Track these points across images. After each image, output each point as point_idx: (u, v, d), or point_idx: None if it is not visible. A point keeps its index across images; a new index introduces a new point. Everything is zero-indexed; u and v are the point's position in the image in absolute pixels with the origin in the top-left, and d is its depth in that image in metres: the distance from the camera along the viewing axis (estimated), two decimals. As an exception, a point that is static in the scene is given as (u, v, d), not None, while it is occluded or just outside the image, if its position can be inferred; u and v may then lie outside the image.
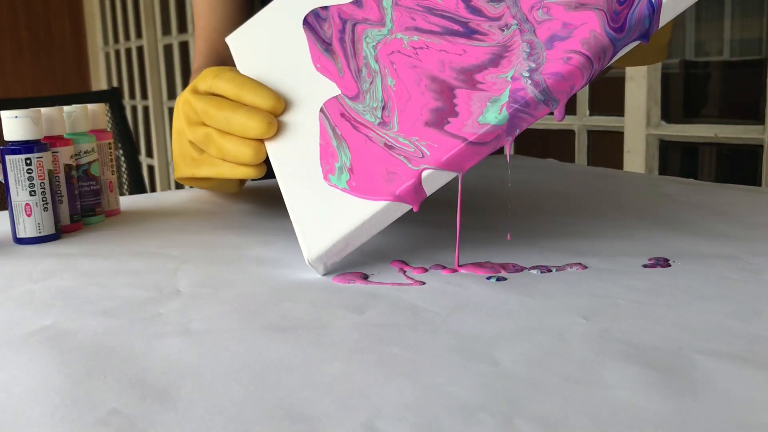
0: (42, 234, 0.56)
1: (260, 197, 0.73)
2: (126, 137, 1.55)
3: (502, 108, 0.43)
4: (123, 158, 1.55)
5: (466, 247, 0.50)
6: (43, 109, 0.58)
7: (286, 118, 0.51)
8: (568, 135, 1.59)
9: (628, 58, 0.55)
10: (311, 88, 0.52)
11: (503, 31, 0.46)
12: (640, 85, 1.38)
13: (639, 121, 1.39)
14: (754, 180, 1.27)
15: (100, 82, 3.89)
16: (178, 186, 3.25)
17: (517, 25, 0.45)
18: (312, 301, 0.40)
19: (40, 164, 0.55)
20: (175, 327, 0.37)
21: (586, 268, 0.45)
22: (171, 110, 3.21)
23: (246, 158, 0.52)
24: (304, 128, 0.50)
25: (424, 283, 0.43)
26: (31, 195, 0.55)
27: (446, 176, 0.44)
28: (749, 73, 1.27)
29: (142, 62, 3.31)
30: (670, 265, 0.45)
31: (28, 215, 0.55)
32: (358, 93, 0.49)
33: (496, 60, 0.45)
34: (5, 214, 0.67)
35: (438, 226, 0.57)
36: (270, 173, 0.94)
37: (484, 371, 0.30)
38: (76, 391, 0.30)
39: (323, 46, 0.53)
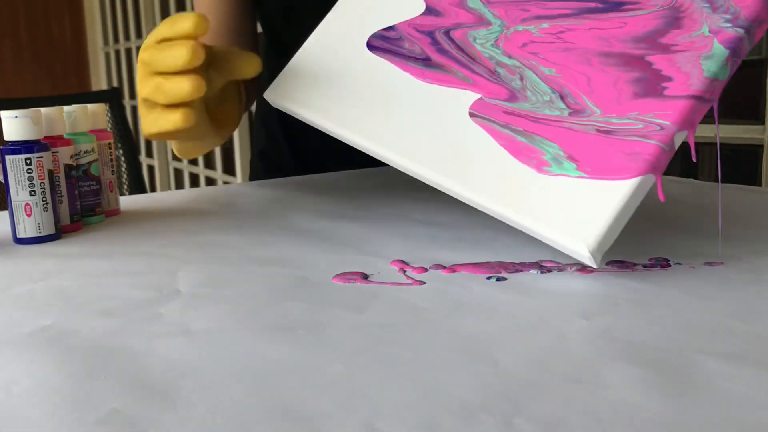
0: (42, 234, 0.56)
1: (260, 197, 0.73)
2: (126, 137, 1.55)
3: (727, 62, 0.43)
4: (123, 158, 1.55)
5: (466, 247, 0.50)
6: (43, 109, 0.58)
7: (420, 139, 0.48)
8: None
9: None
10: (416, 103, 0.49)
11: None
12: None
13: (639, 121, 1.39)
14: (754, 180, 1.27)
15: (100, 82, 3.89)
16: (178, 186, 3.25)
17: None
18: (312, 301, 0.40)
19: (40, 164, 0.55)
20: (175, 327, 0.37)
21: (586, 268, 0.45)
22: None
23: (184, 93, 0.51)
24: (467, 136, 0.46)
25: (424, 283, 0.43)
26: (31, 195, 0.55)
27: (681, 137, 0.43)
28: (749, 73, 1.27)
29: (142, 62, 3.31)
30: (670, 266, 0.45)
31: (28, 215, 0.55)
32: (513, 93, 0.47)
33: (675, 23, 0.45)
34: (5, 214, 0.67)
35: (438, 226, 0.57)
36: (269, 175, 0.94)
37: (484, 371, 0.30)
38: (76, 391, 0.30)
39: (421, 63, 0.50)
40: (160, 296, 0.42)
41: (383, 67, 0.52)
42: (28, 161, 0.55)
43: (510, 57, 0.48)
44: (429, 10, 0.53)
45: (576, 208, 0.41)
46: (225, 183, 2.68)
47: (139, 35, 3.32)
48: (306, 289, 0.42)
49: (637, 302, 0.39)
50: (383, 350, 0.33)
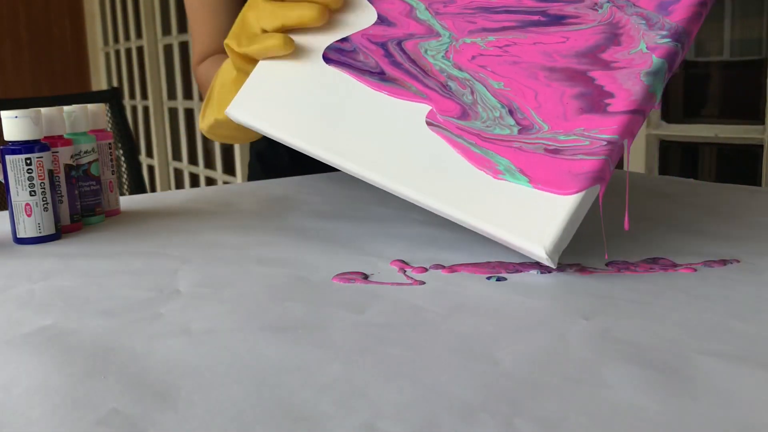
0: (42, 234, 0.56)
1: (260, 197, 0.73)
2: (126, 137, 1.55)
3: (665, 75, 0.44)
4: (123, 158, 1.55)
5: (466, 247, 0.50)
6: (43, 109, 0.58)
7: (385, 144, 0.48)
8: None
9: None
10: (382, 112, 0.49)
11: (598, 11, 0.46)
12: (640, 85, 1.37)
13: (639, 121, 1.39)
14: (754, 180, 1.27)
15: (100, 82, 3.89)
16: (178, 186, 3.25)
17: (608, 2, 0.46)
18: (312, 301, 0.40)
19: (40, 164, 0.55)
20: (175, 327, 0.37)
21: (586, 268, 0.45)
22: (171, 110, 3.21)
23: (311, 17, 0.53)
24: (425, 144, 0.47)
25: (424, 283, 0.43)
26: (31, 195, 0.55)
27: (622, 150, 0.44)
28: (749, 73, 1.27)
29: (142, 62, 3.31)
30: (670, 265, 0.45)
31: (28, 215, 0.55)
32: (464, 110, 0.47)
33: (614, 39, 0.46)
34: (5, 214, 0.67)
35: (438, 226, 0.57)
36: (267, 176, 0.94)
37: (484, 371, 0.30)
38: (76, 391, 0.30)
39: (377, 77, 0.50)
40: (160, 296, 0.42)
41: (340, 78, 0.52)
42: (28, 161, 0.55)
43: (460, 69, 0.48)
44: (381, 20, 0.53)
45: (531, 212, 0.43)
46: (225, 183, 2.68)
47: (139, 35, 3.32)
48: (306, 289, 0.42)
49: (637, 302, 0.39)
50: (383, 350, 0.33)
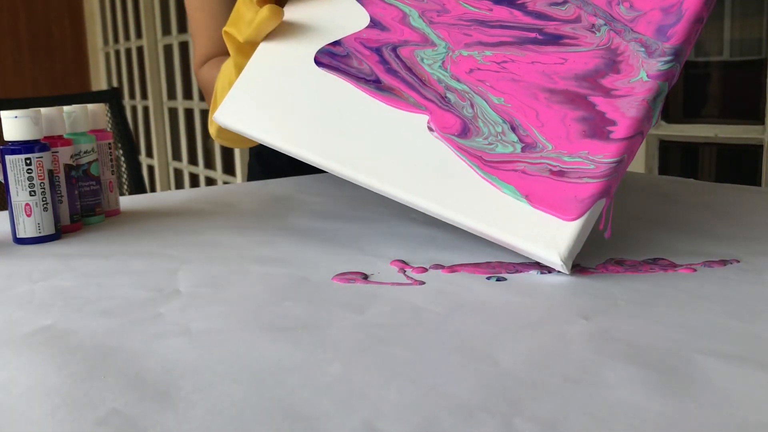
0: (42, 234, 0.56)
1: (260, 197, 0.73)
2: (126, 137, 1.55)
3: (665, 95, 0.44)
4: (123, 158, 1.56)
5: (466, 247, 0.50)
6: (43, 109, 0.58)
7: (405, 158, 0.47)
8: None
9: None
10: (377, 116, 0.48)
11: (595, 33, 0.46)
12: (640, 85, 1.37)
13: (639, 121, 1.39)
14: (754, 180, 1.27)
15: (100, 82, 3.89)
16: (178, 186, 3.25)
17: (605, 25, 0.46)
18: (312, 301, 0.40)
19: (40, 164, 0.55)
20: (175, 327, 0.37)
21: (587, 269, 0.45)
22: (171, 110, 3.21)
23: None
24: (429, 150, 0.46)
25: (424, 283, 0.43)
26: (31, 195, 0.55)
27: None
28: (749, 73, 1.27)
29: (142, 62, 3.31)
30: (670, 265, 0.45)
31: (28, 215, 0.55)
32: (465, 125, 0.46)
33: (613, 66, 0.45)
34: (5, 214, 0.67)
35: (438, 226, 0.57)
36: (266, 177, 0.94)
37: (484, 371, 0.30)
38: (76, 391, 0.30)
39: (373, 86, 0.49)
40: (160, 296, 0.42)
41: (333, 82, 0.50)
42: (28, 161, 0.55)
43: (458, 81, 0.47)
44: (374, 23, 0.51)
45: (543, 219, 0.43)
46: (225, 183, 2.68)
47: (139, 35, 3.32)
48: (306, 289, 0.42)
49: (637, 302, 0.39)
50: (383, 350, 0.33)
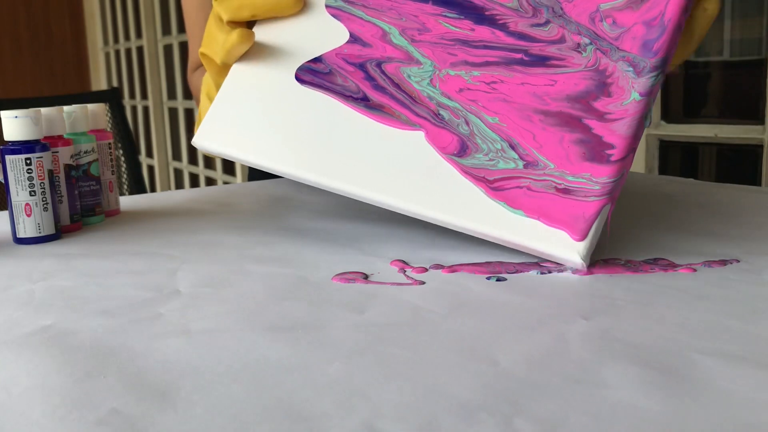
0: (42, 234, 0.56)
1: (260, 197, 0.73)
2: (126, 137, 1.55)
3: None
4: (123, 158, 1.56)
5: (466, 247, 0.50)
6: (43, 109, 0.58)
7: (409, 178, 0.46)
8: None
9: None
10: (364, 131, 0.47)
11: (582, 53, 0.45)
12: (640, 85, 1.37)
13: (639, 121, 1.39)
14: (754, 180, 1.27)
15: (100, 82, 3.89)
16: (178, 186, 3.25)
17: (591, 44, 0.45)
18: (312, 301, 0.40)
19: (40, 164, 0.55)
20: (175, 327, 0.37)
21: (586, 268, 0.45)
22: (171, 110, 3.21)
23: (286, 3, 0.50)
24: (428, 159, 0.46)
25: (424, 283, 0.43)
26: (31, 195, 0.55)
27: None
28: (749, 73, 1.27)
29: (142, 62, 3.31)
30: (670, 266, 0.45)
31: (28, 215, 0.55)
32: (463, 142, 0.45)
33: (604, 89, 0.45)
34: (5, 214, 0.67)
35: (438, 226, 0.57)
36: (266, 177, 0.94)
37: (484, 371, 0.30)
38: (76, 391, 0.30)
39: (362, 104, 0.48)
40: (160, 296, 0.42)
41: (317, 98, 0.49)
42: (28, 161, 0.55)
43: (450, 99, 0.46)
44: (354, 39, 0.50)
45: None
46: (225, 183, 2.68)
47: (139, 35, 3.32)
48: (306, 289, 0.42)
49: (637, 302, 0.39)
50: (383, 350, 0.33)
